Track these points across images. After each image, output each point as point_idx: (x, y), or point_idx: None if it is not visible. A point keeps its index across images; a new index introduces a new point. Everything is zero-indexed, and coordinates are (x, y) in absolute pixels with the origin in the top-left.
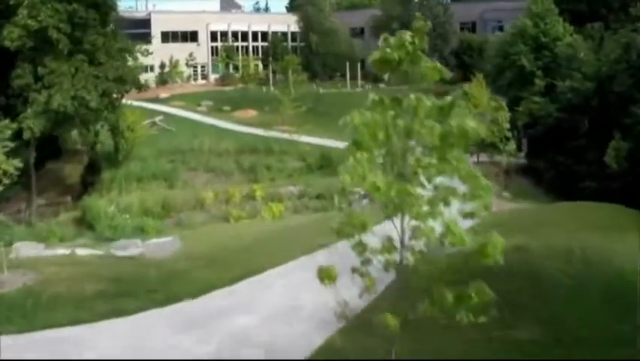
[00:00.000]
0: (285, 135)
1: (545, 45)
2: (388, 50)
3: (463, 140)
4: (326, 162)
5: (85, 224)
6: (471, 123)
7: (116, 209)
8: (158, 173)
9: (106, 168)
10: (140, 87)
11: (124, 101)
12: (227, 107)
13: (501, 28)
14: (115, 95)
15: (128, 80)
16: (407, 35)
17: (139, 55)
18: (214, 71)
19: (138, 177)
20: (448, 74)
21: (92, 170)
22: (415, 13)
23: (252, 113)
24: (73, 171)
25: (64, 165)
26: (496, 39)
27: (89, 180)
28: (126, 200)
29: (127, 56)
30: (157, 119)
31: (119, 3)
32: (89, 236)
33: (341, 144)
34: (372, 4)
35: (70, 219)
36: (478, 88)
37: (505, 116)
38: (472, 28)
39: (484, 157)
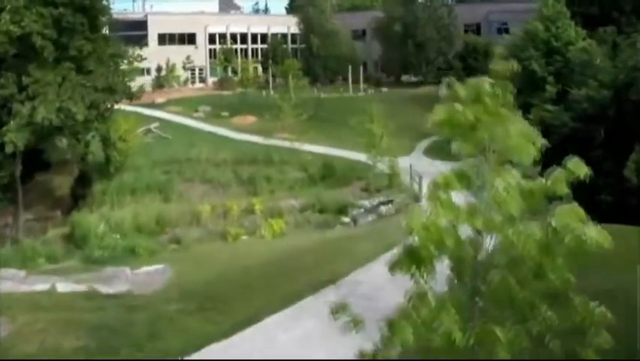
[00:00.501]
0: (286, 143)
1: (557, 50)
2: (458, 106)
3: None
4: (329, 173)
5: (74, 241)
6: (591, 232)
7: (107, 227)
8: (152, 184)
9: (97, 179)
10: (132, 96)
11: (118, 106)
12: (225, 113)
13: (507, 31)
14: (105, 106)
15: (119, 90)
16: (485, 84)
17: (133, 60)
18: (212, 74)
19: (132, 189)
20: (539, 143)
21: (83, 182)
22: (418, 15)
23: (251, 119)
24: (63, 183)
25: (54, 176)
26: (504, 43)
27: (80, 193)
28: (118, 216)
29: (120, 61)
30: (152, 126)
31: (114, 4)
32: (78, 256)
33: (344, 152)
34: (373, 5)
35: (59, 235)
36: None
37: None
38: (477, 30)
39: None
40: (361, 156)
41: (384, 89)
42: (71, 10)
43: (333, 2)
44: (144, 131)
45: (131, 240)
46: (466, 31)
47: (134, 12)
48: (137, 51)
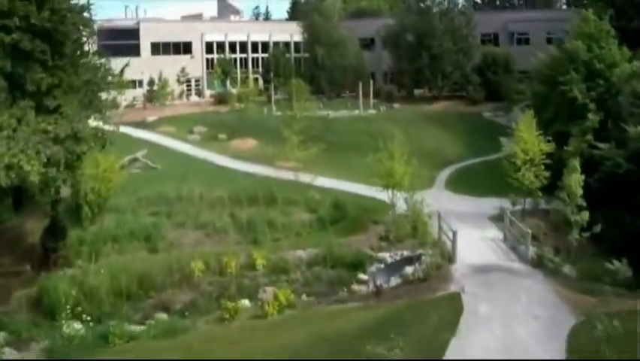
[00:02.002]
0: (290, 175)
1: (599, 72)
2: None
3: None
4: (340, 215)
5: (42, 310)
6: None
7: (80, 293)
8: (137, 231)
9: (73, 226)
10: (105, 144)
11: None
12: (222, 135)
13: (527, 41)
14: (71, 157)
15: (86, 136)
16: None
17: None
18: (209, 86)
19: (113, 237)
20: None
21: (54, 233)
22: (434, 24)
23: (250, 143)
24: (35, 227)
25: (25, 219)
26: (523, 54)
27: (50, 247)
28: (93, 282)
29: (96, 88)
30: (139, 154)
31: (98, 11)
32: (42, 337)
33: (356, 186)
34: (380, 9)
35: (27, 299)
36: (525, 126)
37: (578, 180)
38: (495, 40)
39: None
40: (377, 193)
41: (396, 105)
42: (30, 35)
43: (339, 8)
44: (130, 161)
45: (104, 325)
46: (482, 41)
47: (126, 18)
48: (117, 74)
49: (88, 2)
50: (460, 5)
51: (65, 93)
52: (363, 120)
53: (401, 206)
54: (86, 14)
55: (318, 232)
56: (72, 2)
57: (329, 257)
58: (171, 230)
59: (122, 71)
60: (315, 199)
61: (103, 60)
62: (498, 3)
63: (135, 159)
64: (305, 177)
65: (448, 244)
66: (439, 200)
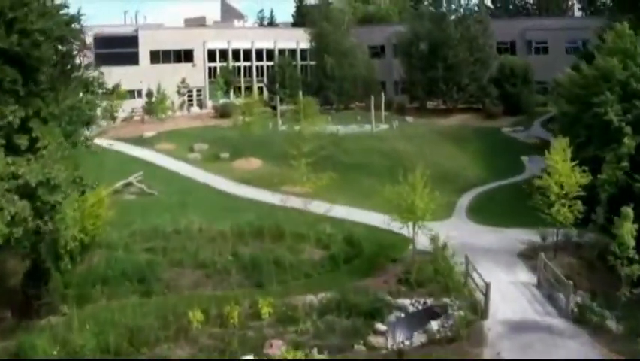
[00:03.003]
0: (299, 203)
1: (636, 93)
2: None
3: None
4: (355, 252)
5: None
6: None
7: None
8: (129, 271)
9: (57, 267)
10: (85, 189)
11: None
12: (225, 155)
13: (545, 50)
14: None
15: (63, 185)
16: None
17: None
18: (211, 97)
19: (103, 278)
20: None
21: (35, 277)
22: (450, 33)
23: (255, 163)
24: (17, 267)
25: (7, 257)
26: (567, 78)
27: (32, 293)
28: (78, 339)
29: (77, 114)
30: (134, 177)
31: (101, 17)
32: None
33: (370, 215)
34: (390, 16)
35: (4, 353)
36: (559, 156)
37: (631, 230)
38: (511, 48)
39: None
40: (393, 221)
41: (409, 119)
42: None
43: (350, 16)
44: (124, 185)
45: None
46: (498, 49)
47: (125, 24)
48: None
49: (78, 12)
50: (475, 12)
51: (44, 123)
52: (375, 138)
53: (421, 241)
54: (76, 25)
55: (330, 272)
56: (62, 11)
57: (343, 304)
58: (167, 269)
59: (113, 90)
60: (327, 234)
61: (95, 73)
62: (510, 7)
63: (129, 184)
64: (315, 205)
65: (477, 290)
66: (460, 232)
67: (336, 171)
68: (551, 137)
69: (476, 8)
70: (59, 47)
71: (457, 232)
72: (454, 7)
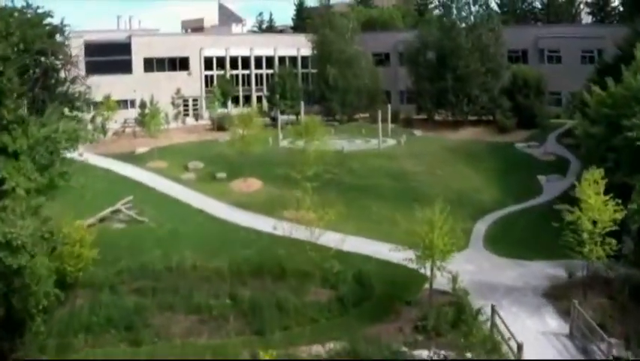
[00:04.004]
0: (302, 233)
1: None
2: None
3: None
4: (366, 293)
5: None
6: None
7: None
8: (116, 317)
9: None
10: (56, 246)
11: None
12: (222, 174)
13: (559, 59)
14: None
15: (28, 245)
16: None
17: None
18: (208, 107)
19: (87, 325)
20: None
21: (9, 329)
22: (461, 42)
23: (254, 184)
24: None
25: None
26: (593, 97)
27: (6, 347)
28: None
29: (51, 146)
30: (122, 203)
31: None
32: None
33: (380, 247)
34: (393, 19)
35: None
36: (591, 189)
37: None
38: (523, 57)
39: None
40: (404, 252)
41: (417, 132)
42: None
43: (355, 23)
44: (111, 213)
45: None
46: (509, 58)
47: (118, 29)
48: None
49: (62, 22)
50: (487, 19)
51: (14, 158)
52: (382, 156)
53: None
54: (59, 37)
55: (338, 316)
56: (46, 22)
57: (353, 356)
58: (157, 314)
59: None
60: (334, 272)
61: (82, 88)
62: (518, 11)
63: (117, 210)
64: (318, 233)
65: (503, 342)
66: (478, 265)
67: (341, 195)
68: (567, 152)
69: (487, 16)
70: (42, 59)
71: (474, 266)
72: (464, 14)
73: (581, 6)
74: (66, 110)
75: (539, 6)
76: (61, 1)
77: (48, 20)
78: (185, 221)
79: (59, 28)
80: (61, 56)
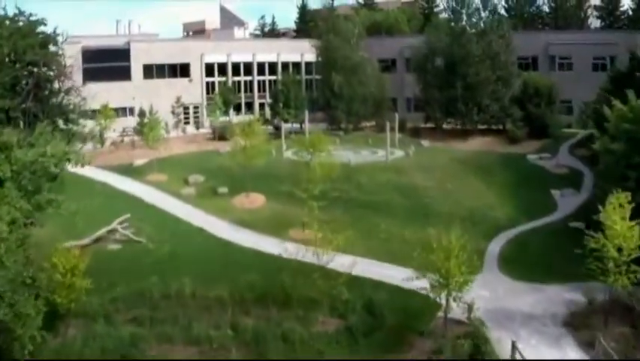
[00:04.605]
0: (309, 255)
1: None
2: None
3: None
4: (376, 322)
5: None
6: None
7: None
8: (111, 348)
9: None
10: (39, 293)
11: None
12: (223, 189)
13: (570, 66)
14: None
15: (5, 295)
16: None
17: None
18: (210, 114)
19: (80, 359)
20: None
21: None
22: (471, 49)
23: (258, 200)
24: None
25: None
26: (613, 112)
27: None
28: None
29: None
30: (118, 222)
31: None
32: None
33: (391, 270)
34: (399, 25)
35: None
36: (617, 214)
37: None
38: (533, 63)
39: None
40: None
41: (425, 143)
42: None
43: (360, 28)
44: (108, 232)
45: None
46: (519, 65)
47: (117, 35)
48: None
49: (54, 31)
50: (497, 25)
51: None
52: (391, 169)
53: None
54: (52, 47)
55: (346, 348)
56: (39, 30)
57: None
58: (155, 346)
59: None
60: (343, 300)
61: (77, 99)
62: (525, 15)
63: (113, 230)
64: (326, 257)
65: None
66: (494, 290)
67: (349, 212)
68: (580, 165)
69: (497, 22)
70: (35, 70)
71: (489, 291)
72: (474, 20)
73: (589, 10)
74: (60, 123)
75: (547, 10)
76: (61, 2)
77: (41, 28)
78: (184, 241)
79: (52, 37)
80: (54, 67)
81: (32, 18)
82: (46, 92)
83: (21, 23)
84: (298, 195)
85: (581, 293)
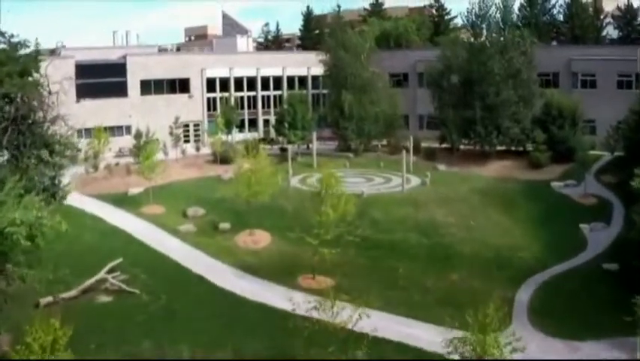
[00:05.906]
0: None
1: None
2: None
3: None
4: None
5: None
6: None
7: None
8: None
9: None
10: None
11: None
12: (225, 225)
13: (593, 84)
14: None
15: None
16: None
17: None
18: (211, 132)
19: None
20: None
21: None
22: (493, 67)
23: (263, 237)
24: None
25: None
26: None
27: None
28: None
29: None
30: (109, 268)
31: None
32: None
33: (414, 329)
34: (409, 35)
35: None
36: None
37: None
38: (554, 80)
39: None
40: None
41: (441, 167)
42: None
43: (372, 43)
44: (98, 283)
45: None
46: (540, 82)
47: (114, 46)
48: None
49: (36, 54)
50: (519, 40)
51: None
52: (407, 202)
53: None
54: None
55: None
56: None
57: None
58: None
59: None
60: None
61: (64, 129)
62: (541, 26)
63: (103, 280)
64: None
65: None
66: (527, 349)
67: (363, 253)
68: (608, 193)
69: (519, 37)
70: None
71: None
72: (494, 35)
73: (607, 19)
74: (46, 154)
75: (562, 19)
76: (61, 3)
77: (24, 51)
78: (182, 292)
79: (35, 61)
80: (34, 98)
81: (14, 39)
82: (30, 121)
83: (2, 46)
84: (308, 241)
85: (618, 350)
